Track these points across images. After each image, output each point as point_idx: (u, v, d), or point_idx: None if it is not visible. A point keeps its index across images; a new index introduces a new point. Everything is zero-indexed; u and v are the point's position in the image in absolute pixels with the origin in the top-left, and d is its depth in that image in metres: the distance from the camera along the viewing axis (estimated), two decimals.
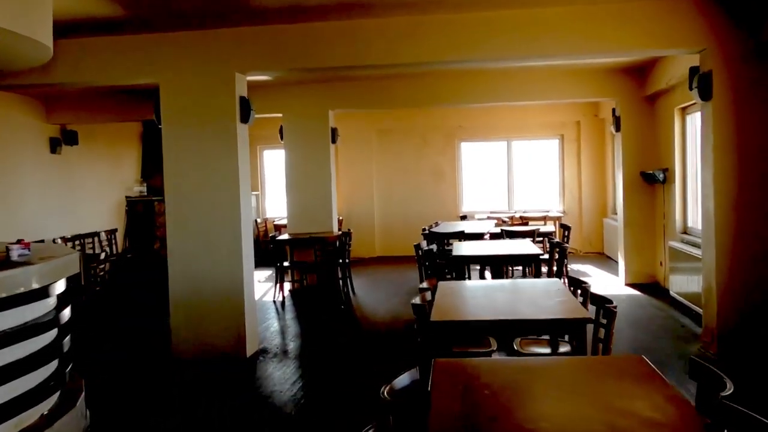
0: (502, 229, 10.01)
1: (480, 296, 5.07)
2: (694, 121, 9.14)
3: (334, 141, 11.25)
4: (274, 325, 8.78)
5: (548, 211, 14.64)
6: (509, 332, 4.76)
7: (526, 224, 12.23)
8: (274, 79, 10.57)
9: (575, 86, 10.81)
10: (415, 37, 6.73)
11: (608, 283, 10.73)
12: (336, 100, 11.20)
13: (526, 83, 10.85)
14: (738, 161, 6.37)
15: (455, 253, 7.60)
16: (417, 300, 4.74)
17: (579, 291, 4.87)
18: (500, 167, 15.11)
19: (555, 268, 7.46)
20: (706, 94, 6.45)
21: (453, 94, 11.11)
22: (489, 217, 13.45)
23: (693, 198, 9.23)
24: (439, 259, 8.34)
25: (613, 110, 10.82)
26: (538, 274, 7.35)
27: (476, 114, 14.66)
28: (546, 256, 8.42)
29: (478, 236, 10.13)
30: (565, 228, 10.48)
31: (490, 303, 4.81)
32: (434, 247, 8.58)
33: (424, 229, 10.76)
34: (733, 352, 6.46)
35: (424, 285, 5.42)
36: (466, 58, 6.74)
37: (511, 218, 13.12)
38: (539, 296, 4.86)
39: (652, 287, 10.23)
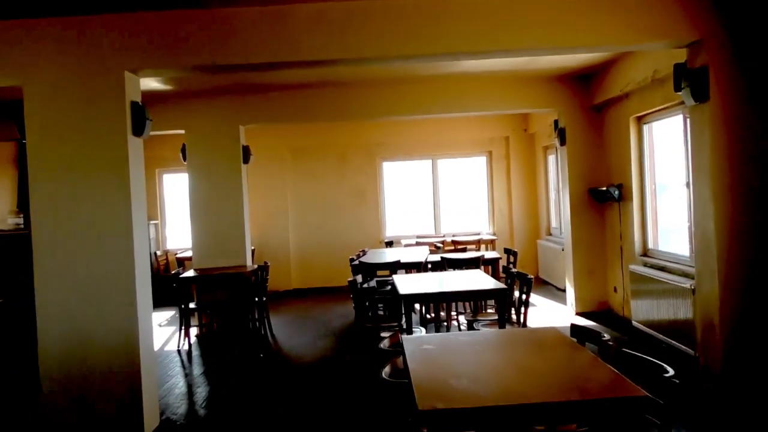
0: (442, 257, 8.79)
1: (480, 362, 3.76)
2: (652, 131, 8.25)
3: (246, 161, 9.78)
4: (180, 384, 7.19)
5: (479, 234, 13.61)
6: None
7: (464, 250, 11.09)
8: (176, 88, 9.03)
9: (512, 96, 9.80)
10: (353, 27, 5.44)
11: (556, 313, 9.69)
12: (247, 114, 9.75)
13: (457, 93, 9.76)
14: (740, 173, 5.39)
15: (401, 290, 6.29)
16: (387, 371, 3.41)
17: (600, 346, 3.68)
18: (425, 187, 14.00)
19: (522, 308, 6.28)
20: (700, 94, 5.44)
21: (376, 106, 9.88)
22: (418, 243, 12.26)
23: (653, 217, 8.32)
24: (378, 297, 7.04)
25: (556, 122, 9.87)
26: (503, 314, 6.14)
27: (399, 130, 13.51)
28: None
29: (417, 266, 8.88)
30: (510, 253, 9.37)
31: (504, 374, 3.53)
32: (373, 282, 7.23)
33: (352, 259, 9.43)
34: (742, 397, 5.43)
35: (386, 343, 4.08)
36: (417, 53, 5.49)
37: (443, 243, 11.97)
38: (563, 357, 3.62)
39: (606, 316, 9.25)
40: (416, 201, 14.10)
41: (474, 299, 6.95)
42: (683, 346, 6.80)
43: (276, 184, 13.51)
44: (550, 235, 12.91)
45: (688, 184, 7.09)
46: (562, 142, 9.64)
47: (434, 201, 13.91)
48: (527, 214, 13.59)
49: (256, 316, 9.04)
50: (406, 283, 6.75)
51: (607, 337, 3.80)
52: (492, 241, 12.62)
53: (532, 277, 6.44)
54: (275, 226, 13.51)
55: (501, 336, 4.48)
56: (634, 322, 8.13)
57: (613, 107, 8.88)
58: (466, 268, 8.64)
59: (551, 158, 12.81)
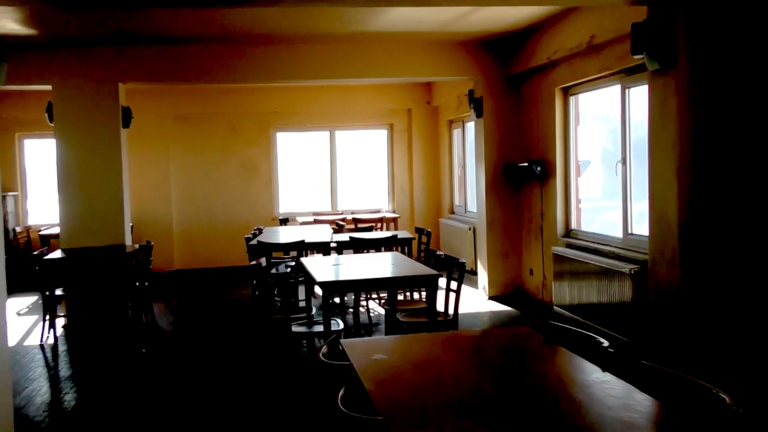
0: (351, 238, 7.93)
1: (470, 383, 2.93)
2: (578, 103, 7.71)
3: (126, 124, 8.48)
4: (43, 390, 5.95)
5: (379, 211, 12.84)
6: None
7: (369, 229, 10.27)
8: (40, 33, 7.59)
9: (425, 63, 8.99)
10: None
11: (468, 297, 9.05)
12: (128, 70, 8.43)
13: (364, 57, 8.84)
14: (706, 148, 4.81)
15: (317, 276, 5.37)
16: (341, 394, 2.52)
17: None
18: (322, 161, 13.04)
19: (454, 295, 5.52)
20: (665, 58, 4.80)
21: (272, 68, 8.79)
22: (316, 220, 11.32)
23: (577, 195, 7.81)
24: (290, 283, 6.10)
25: (471, 93, 9.18)
26: (433, 304, 5.35)
27: (295, 98, 12.46)
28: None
29: (323, 247, 7.97)
30: (422, 233, 8.63)
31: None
32: (283, 267, 6.26)
33: (248, 239, 8.39)
34: None
35: (324, 350, 3.18)
36: None
37: (344, 220, 11.10)
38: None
39: (522, 300, 8.72)
40: (312, 175, 13.13)
41: (404, 287, 6.14)
42: (615, 334, 6.29)
43: (157, 154, 12.15)
44: (453, 213, 12.33)
45: (624, 161, 6.56)
46: (479, 114, 8.98)
47: (332, 176, 12.99)
48: (429, 192, 12.94)
49: (137, 304, 7.84)
50: (321, 268, 5.83)
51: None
52: (395, 220, 11.87)
53: (464, 261, 5.70)
54: (156, 201, 12.17)
55: (467, 340, 3.68)
56: (555, 307, 7.62)
57: (538, 77, 8.26)
58: (378, 250, 7.84)
59: (456, 132, 12.19)
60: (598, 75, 6.84)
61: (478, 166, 9.22)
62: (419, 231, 8.84)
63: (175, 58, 8.49)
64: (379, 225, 11.36)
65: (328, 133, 12.97)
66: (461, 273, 5.55)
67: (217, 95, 12.19)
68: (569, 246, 7.54)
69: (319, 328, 5.35)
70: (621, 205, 6.64)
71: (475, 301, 8.88)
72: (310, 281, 6.22)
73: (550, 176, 7.98)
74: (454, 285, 5.63)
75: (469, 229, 10.80)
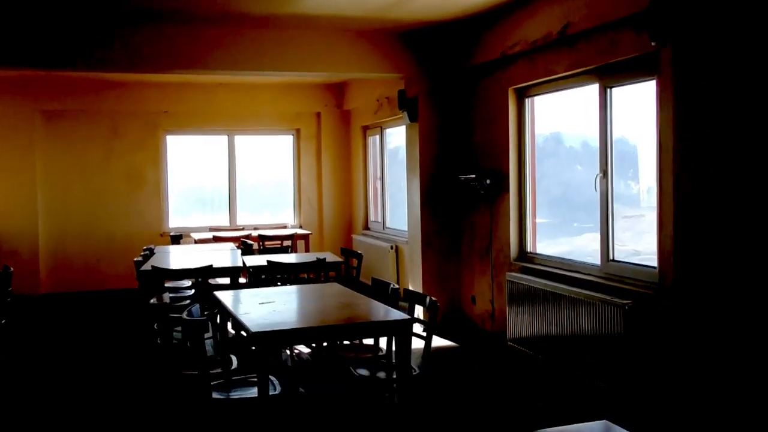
0: (269, 261, 6.53)
1: None
2: (534, 106, 6.70)
3: None
4: None
5: (285, 226, 11.43)
6: None
7: (280, 248, 8.85)
8: None
9: (350, 56, 7.72)
10: None
11: None
12: None
13: (277, 46, 7.44)
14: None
15: (250, 324, 3.97)
16: None
17: None
18: (219, 169, 11.49)
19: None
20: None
21: (165, 53, 7.26)
22: (216, 238, 9.78)
23: (533, 213, 6.79)
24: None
25: (402, 93, 8.00)
26: (407, 358, 4.09)
27: (188, 96, 10.87)
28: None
29: (233, 273, 6.53)
30: (353, 256, 7.32)
31: None
32: (196, 308, 4.77)
33: (139, 263, 6.82)
34: None
35: None
36: None
37: (249, 237, 9.63)
38: None
39: (462, 331, 7.59)
40: (208, 186, 11.56)
41: (371, 335, 4.83)
42: (594, 376, 5.27)
43: (19, 155, 10.22)
44: (368, 229, 11.11)
45: (605, 173, 5.57)
46: (413, 118, 7.80)
47: (230, 186, 11.46)
48: (340, 205, 11.66)
49: None
50: (247, 309, 4.43)
51: None
52: (306, 237, 10.49)
53: (434, 299, 4.48)
54: (18, 211, 10.23)
55: None
56: (510, 342, 6.54)
57: (489, 75, 7.17)
58: (303, 276, 6.50)
59: (373, 140, 11.01)
60: (570, 72, 5.82)
61: (411, 178, 8.05)
62: (346, 253, 7.54)
63: (39, 35, 6.81)
64: (287, 243, 9.97)
65: (226, 137, 11.46)
66: (433, 315, 4.33)
67: (97, 89, 10.41)
68: (526, 271, 6.48)
69: (250, 393, 3.96)
70: (599, 225, 5.64)
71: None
72: (224, 321, 4.83)
73: (501, 190, 6.90)
74: (418, 328, 4.40)
75: (391, 248, 9.62)
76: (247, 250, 7.97)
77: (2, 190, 10.09)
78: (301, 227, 11.51)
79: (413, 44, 7.67)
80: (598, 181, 5.60)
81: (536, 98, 6.64)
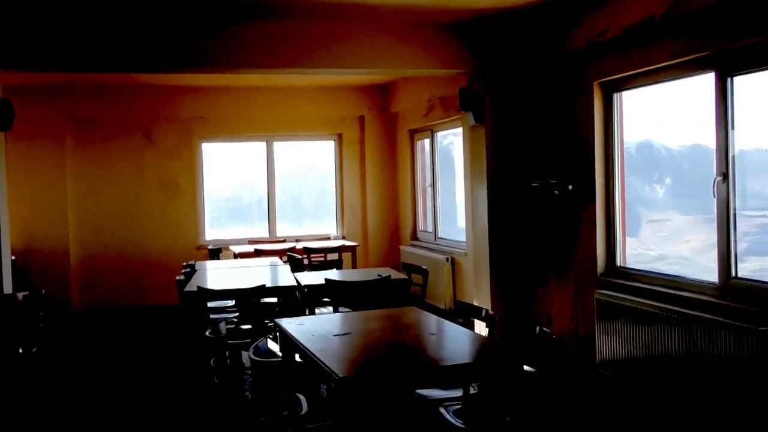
0: (328, 280, 5.81)
1: None
2: (622, 102, 5.91)
3: (6, 126, 6.10)
4: None
5: (328, 237, 10.74)
6: None
7: (324, 262, 8.15)
8: None
9: (404, 50, 6.95)
10: None
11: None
12: (6, 49, 6.05)
13: (326, 40, 6.72)
14: None
15: (328, 363, 3.24)
16: None
17: None
18: (258, 177, 10.84)
19: None
20: None
21: (201, 52, 6.57)
22: (257, 251, 9.09)
23: (623, 222, 6.00)
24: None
25: (464, 91, 7.24)
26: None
27: (224, 101, 10.24)
28: None
29: (285, 293, 5.82)
30: (415, 272, 6.58)
31: None
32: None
33: (180, 282, 6.14)
34: None
35: None
36: None
37: (294, 251, 8.93)
38: None
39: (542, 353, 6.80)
40: (246, 195, 10.90)
41: (478, 379, 4.07)
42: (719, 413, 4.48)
43: (50, 166, 9.65)
44: (417, 240, 10.37)
45: (725, 176, 4.77)
46: (479, 119, 7.05)
47: (269, 195, 10.80)
48: (386, 214, 10.94)
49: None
50: (323, 345, 3.70)
51: None
52: (353, 249, 9.76)
53: (546, 329, 3.73)
54: (48, 225, 9.66)
55: None
56: (599, 368, 5.76)
57: (570, 68, 6.37)
58: (369, 297, 5.77)
59: (422, 144, 10.29)
60: (676, 61, 5.04)
61: (475, 185, 7.28)
62: (408, 268, 6.79)
63: (68, 35, 6.16)
64: (332, 256, 9.25)
65: (264, 143, 10.80)
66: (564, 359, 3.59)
67: (129, 95, 9.83)
68: (619, 288, 5.69)
69: None
70: (716, 237, 4.85)
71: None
72: (288, 352, 4.11)
73: (586, 197, 6.12)
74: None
75: (447, 260, 8.88)
76: (296, 265, 7.26)
77: (32, 203, 9.51)
78: (344, 238, 10.81)
79: (476, 36, 6.92)
80: (716, 185, 4.81)
81: (626, 93, 5.85)
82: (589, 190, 6.05)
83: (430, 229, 10.01)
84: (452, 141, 9.57)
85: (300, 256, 8.07)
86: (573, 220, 6.28)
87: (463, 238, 8.71)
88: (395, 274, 6.33)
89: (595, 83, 5.95)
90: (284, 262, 7.71)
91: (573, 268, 6.31)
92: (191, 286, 5.76)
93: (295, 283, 5.96)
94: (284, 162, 10.90)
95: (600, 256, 6.02)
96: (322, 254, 9.10)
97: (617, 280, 5.79)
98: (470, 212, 8.27)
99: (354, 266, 9.55)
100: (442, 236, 9.69)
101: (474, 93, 7.10)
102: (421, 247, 9.96)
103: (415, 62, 7.07)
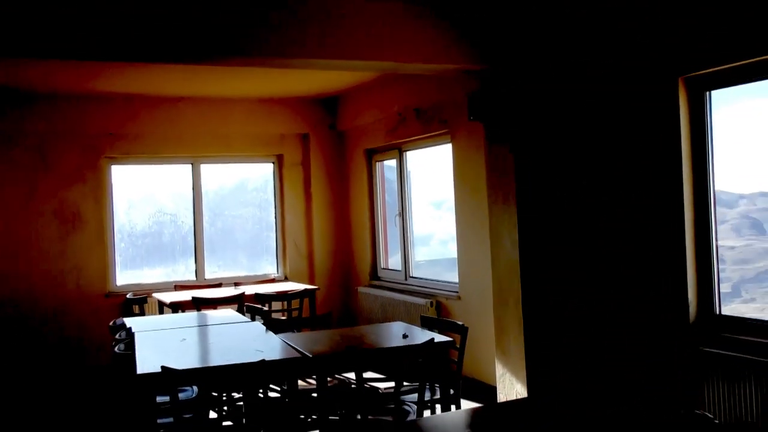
0: (350, 348, 4.09)
1: None
2: (710, 101, 4.62)
3: None
4: None
5: (271, 278, 8.92)
6: None
7: (284, 307, 6.37)
8: None
9: (389, 36, 5.37)
10: None
11: None
12: None
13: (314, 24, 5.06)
14: None
15: None
16: None
17: None
18: (182, 206, 8.90)
19: None
20: None
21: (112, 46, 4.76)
22: (198, 301, 7.15)
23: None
24: None
25: (477, 96, 5.76)
26: None
27: (139, 114, 8.32)
28: None
29: (294, 373, 4.05)
30: (456, 330, 4.96)
31: None
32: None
33: (119, 356, 4.22)
34: None
35: None
36: None
37: (242, 297, 7.06)
38: None
39: None
40: (168, 228, 8.91)
41: None
42: None
43: None
44: (378, 279, 8.76)
45: None
46: (497, 133, 5.56)
47: (196, 229, 8.87)
48: (338, 250, 9.27)
49: None
50: None
51: None
52: (313, 293, 7.94)
53: None
54: None
55: None
56: None
57: (635, 59, 5.00)
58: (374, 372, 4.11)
59: (382, 166, 8.75)
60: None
61: (497, 212, 5.75)
62: (444, 325, 5.12)
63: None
64: (292, 302, 7.46)
65: (189, 166, 8.89)
66: None
67: (18, 104, 7.71)
68: (727, 344, 4.34)
69: None
70: None
71: None
72: None
73: (665, 223, 4.74)
74: None
75: (431, 305, 7.32)
76: (273, 322, 5.45)
77: None
78: (286, 279, 9.04)
79: (487, 23, 5.43)
80: None
81: (722, 92, 4.56)
82: (674, 221, 4.67)
83: (397, 266, 8.43)
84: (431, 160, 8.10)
85: (264, 307, 6.24)
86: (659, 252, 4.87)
87: (440, 276, 7.27)
88: (427, 334, 4.68)
89: (680, 79, 4.60)
90: (253, 317, 5.88)
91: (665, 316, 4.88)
92: (146, 364, 3.88)
93: (299, 354, 4.20)
94: (214, 188, 9.02)
95: (692, 295, 4.64)
96: (281, 301, 7.33)
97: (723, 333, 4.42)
98: (465, 246, 6.82)
99: (314, 315, 7.79)
100: (417, 275, 8.13)
101: (487, 98, 5.62)
102: (387, 289, 8.35)
103: (414, 53, 5.41)
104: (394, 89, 7.72)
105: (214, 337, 4.85)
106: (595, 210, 5.16)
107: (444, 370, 4.41)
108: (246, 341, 4.57)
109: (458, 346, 4.68)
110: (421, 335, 4.68)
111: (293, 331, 5.23)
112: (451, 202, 7.24)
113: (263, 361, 3.75)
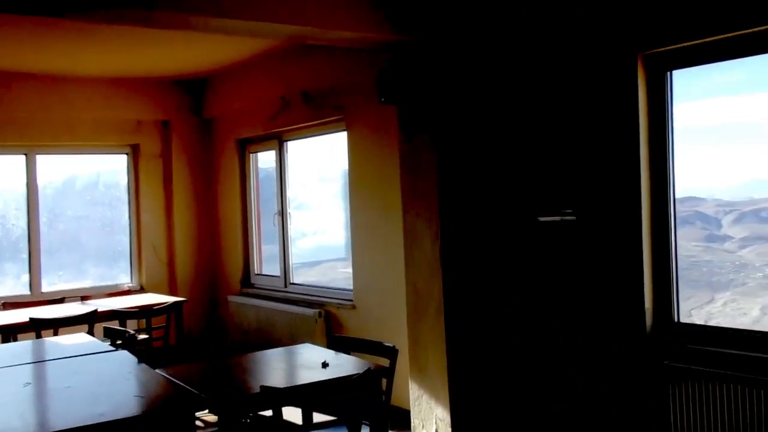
0: (265, 388, 3.11)
1: None
2: (671, 82, 4.07)
3: None
4: None
5: (128, 291, 7.62)
6: None
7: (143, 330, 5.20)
8: None
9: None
10: None
11: None
12: None
13: None
14: None
15: None
16: None
17: None
18: (13, 204, 7.41)
19: None
20: None
21: None
22: (36, 324, 5.78)
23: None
24: None
25: (389, 73, 4.93)
26: None
27: None
28: None
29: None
30: (387, 354, 4.06)
31: None
32: None
33: None
34: None
35: None
36: None
37: (93, 315, 5.79)
38: None
39: None
40: None
41: None
42: None
43: None
44: (252, 287, 7.72)
45: None
46: (410, 118, 4.75)
47: (30, 232, 7.39)
48: (203, 254, 8.12)
49: None
50: None
51: None
52: (180, 306, 6.73)
53: None
54: None
55: None
56: None
57: (586, 34, 4.35)
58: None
59: (257, 158, 7.74)
60: None
61: (412, 217, 4.94)
62: (346, 344, 4.21)
63: None
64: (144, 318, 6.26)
65: (23, 158, 7.40)
66: None
67: None
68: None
69: None
70: None
71: None
72: None
73: (619, 233, 4.13)
74: None
75: (320, 316, 6.43)
76: (147, 350, 4.31)
77: None
78: (142, 289, 7.78)
79: None
80: None
81: (683, 72, 4.00)
82: (630, 218, 4.07)
83: (275, 272, 7.43)
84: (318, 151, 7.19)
85: (131, 331, 5.03)
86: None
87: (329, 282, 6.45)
88: (345, 359, 3.76)
89: (640, 55, 4.00)
90: (114, 344, 4.68)
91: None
92: None
93: (194, 396, 3.16)
94: (54, 184, 7.58)
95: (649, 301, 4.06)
96: (138, 318, 6.12)
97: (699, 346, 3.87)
98: (361, 248, 6.00)
99: (181, 332, 6.62)
100: (298, 281, 7.18)
101: (404, 75, 4.80)
102: (264, 297, 7.35)
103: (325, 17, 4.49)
104: (276, 70, 6.76)
105: (68, 376, 3.67)
106: (536, 204, 4.49)
107: (377, 404, 3.53)
108: (115, 382, 3.45)
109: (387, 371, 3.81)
110: (344, 362, 3.77)
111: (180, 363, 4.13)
112: (342, 198, 6.40)
113: (147, 413, 2.70)
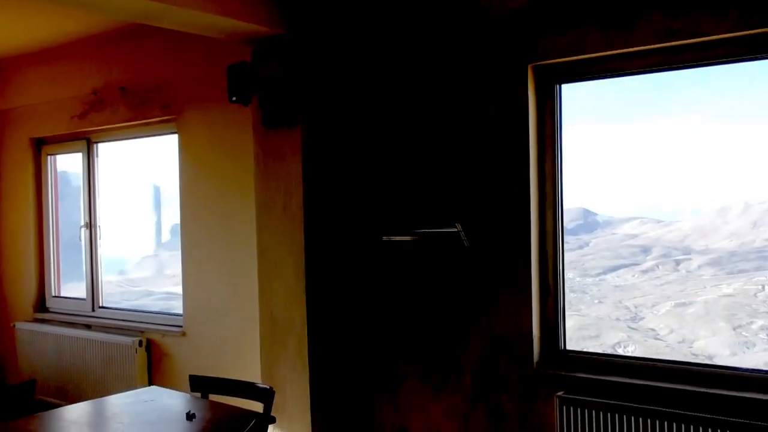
0: None
1: None
2: (560, 96, 3.91)
3: None
4: None
5: None
6: None
7: None
8: None
9: None
10: None
11: None
12: None
13: None
14: None
15: None
16: None
17: None
18: None
19: None
20: None
21: None
22: None
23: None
24: None
25: (241, 68, 4.29)
26: None
27: None
28: None
29: None
30: (261, 397, 3.38)
31: None
32: None
33: None
34: None
35: None
36: None
37: None
38: None
39: None
40: None
41: None
42: None
43: None
44: (47, 312, 6.58)
45: None
46: (276, 117, 4.16)
47: None
48: None
49: None
50: None
51: None
52: None
53: None
54: None
55: None
56: None
57: (468, 38, 4.02)
58: None
59: (55, 161, 6.65)
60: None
61: (270, 229, 4.32)
62: (208, 386, 3.50)
63: None
64: None
65: None
66: None
67: None
68: (586, 387, 3.62)
69: None
70: None
71: None
72: None
73: (507, 251, 3.86)
74: None
75: (140, 345, 5.57)
76: None
77: None
78: None
79: None
80: None
81: (580, 85, 3.82)
82: (517, 238, 3.82)
83: (80, 294, 6.37)
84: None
85: None
86: (489, 292, 3.93)
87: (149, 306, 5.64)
88: (221, 407, 3.08)
89: (530, 66, 3.77)
90: None
91: (476, 368, 3.96)
92: None
93: None
94: None
95: (536, 342, 3.83)
96: None
97: (569, 372, 3.68)
98: (194, 268, 5.30)
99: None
100: (110, 304, 6.20)
101: (265, 73, 4.21)
102: (65, 324, 6.27)
103: None
104: (92, 59, 5.78)
105: None
106: (415, 220, 4.10)
107: None
108: None
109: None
110: (210, 409, 3.09)
111: None
112: (168, 208, 5.61)
113: None
